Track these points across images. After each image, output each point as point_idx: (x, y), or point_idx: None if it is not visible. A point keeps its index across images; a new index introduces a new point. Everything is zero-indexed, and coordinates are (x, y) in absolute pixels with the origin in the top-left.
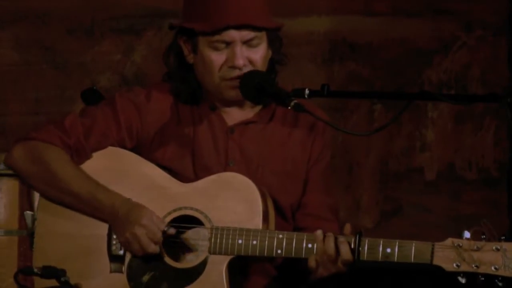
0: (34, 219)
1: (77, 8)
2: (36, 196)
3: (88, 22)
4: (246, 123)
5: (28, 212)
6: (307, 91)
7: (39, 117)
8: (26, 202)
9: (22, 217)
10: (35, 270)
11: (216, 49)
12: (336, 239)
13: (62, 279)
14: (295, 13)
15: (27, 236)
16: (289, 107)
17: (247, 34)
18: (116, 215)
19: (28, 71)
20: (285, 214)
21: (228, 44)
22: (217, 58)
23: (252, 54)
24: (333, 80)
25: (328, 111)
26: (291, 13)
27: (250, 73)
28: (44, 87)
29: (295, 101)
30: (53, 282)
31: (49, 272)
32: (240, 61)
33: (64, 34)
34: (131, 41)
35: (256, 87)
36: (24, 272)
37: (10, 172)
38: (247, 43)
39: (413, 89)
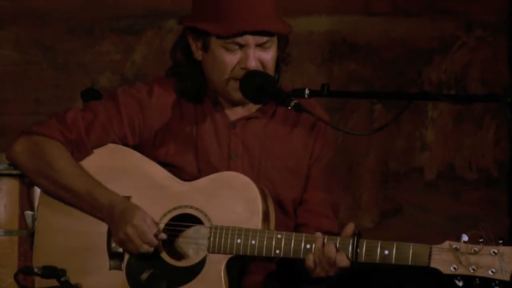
0: (34, 219)
1: (77, 8)
2: (36, 196)
3: (88, 22)
4: (248, 118)
5: (28, 212)
6: (307, 91)
7: (39, 117)
8: (26, 202)
9: (22, 217)
10: (35, 270)
11: (229, 50)
12: (336, 244)
13: (62, 279)
14: (295, 13)
15: (27, 236)
16: (290, 107)
17: (261, 38)
18: (112, 214)
19: (28, 71)
20: (286, 209)
21: (242, 46)
22: (230, 59)
23: (264, 55)
24: (333, 80)
25: (328, 111)
26: (291, 13)
27: (250, 73)
28: (44, 87)
29: (295, 101)
30: (53, 282)
31: (49, 272)
32: (252, 63)
33: (64, 34)
34: (131, 41)
35: (257, 87)
36: (24, 272)
37: (10, 172)
38: (260, 45)
39: (413, 89)
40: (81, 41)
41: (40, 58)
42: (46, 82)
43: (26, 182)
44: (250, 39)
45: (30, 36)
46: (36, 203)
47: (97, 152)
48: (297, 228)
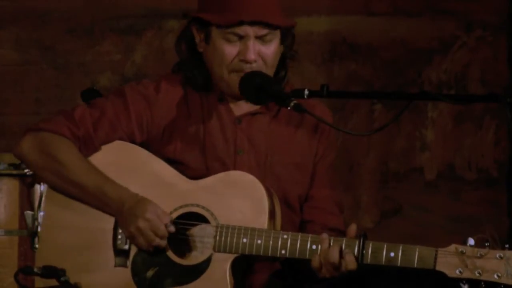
0: (34, 219)
1: (77, 8)
2: (37, 196)
3: (88, 22)
4: (253, 113)
5: (28, 212)
6: (306, 92)
7: (39, 117)
8: (26, 202)
9: (22, 217)
10: (35, 269)
11: (229, 41)
12: (341, 248)
13: (62, 278)
14: (295, 13)
15: (27, 236)
16: (289, 108)
17: (260, 30)
18: (122, 209)
19: (28, 71)
20: (292, 205)
21: (241, 37)
22: (230, 50)
23: (264, 49)
24: (333, 80)
25: None
26: (291, 13)
27: (250, 73)
28: (44, 87)
29: (295, 101)
30: (53, 282)
31: (49, 271)
32: (251, 56)
33: (64, 34)
34: (131, 41)
35: (256, 87)
36: (24, 272)
37: (10, 172)
38: (260, 38)
39: (413, 89)
40: (81, 41)
41: (40, 58)
42: (46, 82)
43: (26, 182)
44: (249, 30)
45: (30, 36)
46: (36, 203)
47: (104, 149)
48: (303, 225)
